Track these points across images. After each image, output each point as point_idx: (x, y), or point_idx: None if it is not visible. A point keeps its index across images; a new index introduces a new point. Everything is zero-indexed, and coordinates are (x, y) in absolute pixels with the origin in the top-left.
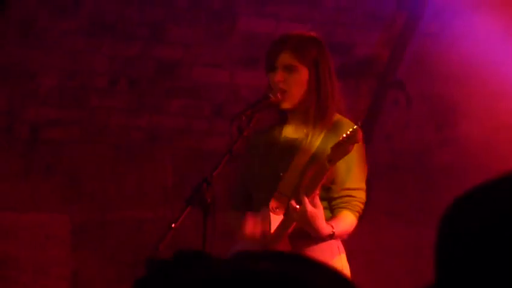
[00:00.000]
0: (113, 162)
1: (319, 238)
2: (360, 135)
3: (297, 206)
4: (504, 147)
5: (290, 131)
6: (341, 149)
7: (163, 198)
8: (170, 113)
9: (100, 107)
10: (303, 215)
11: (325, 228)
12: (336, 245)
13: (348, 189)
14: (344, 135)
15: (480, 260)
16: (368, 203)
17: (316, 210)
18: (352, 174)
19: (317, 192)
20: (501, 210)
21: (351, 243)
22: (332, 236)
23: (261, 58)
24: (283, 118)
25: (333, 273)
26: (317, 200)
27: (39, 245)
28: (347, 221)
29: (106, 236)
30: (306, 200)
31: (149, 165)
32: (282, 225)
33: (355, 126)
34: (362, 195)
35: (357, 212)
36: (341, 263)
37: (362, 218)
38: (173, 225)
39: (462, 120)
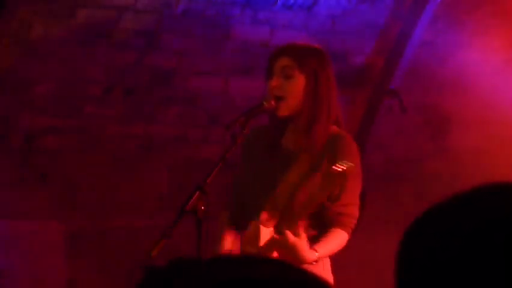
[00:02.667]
0: (108, 170)
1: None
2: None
3: (280, 238)
4: (497, 157)
5: (289, 142)
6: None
7: (159, 206)
8: (165, 121)
9: (95, 116)
10: (285, 245)
11: (308, 255)
12: None
13: (341, 205)
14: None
15: (436, 277)
16: (362, 212)
17: (298, 240)
18: (346, 190)
19: (302, 223)
20: (456, 230)
21: (346, 252)
22: (316, 261)
23: (256, 66)
24: (283, 126)
25: (315, 280)
26: (300, 231)
27: (34, 253)
28: (337, 240)
29: (101, 244)
30: (288, 232)
31: (144, 173)
32: (271, 244)
33: (345, 167)
34: (354, 211)
35: (349, 227)
36: (322, 270)
37: (355, 230)
38: (166, 233)
39: (456, 130)
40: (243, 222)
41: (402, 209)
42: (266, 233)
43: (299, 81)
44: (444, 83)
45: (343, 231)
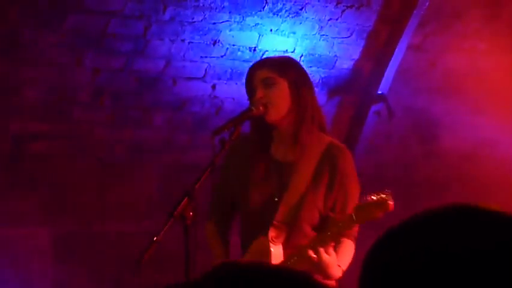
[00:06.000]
0: (96, 175)
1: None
2: (391, 205)
3: (314, 256)
4: (485, 161)
5: (278, 151)
6: (368, 212)
7: (147, 211)
8: (153, 126)
9: (84, 121)
10: (319, 265)
11: (337, 272)
12: None
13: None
14: (374, 197)
15: None
16: None
17: (331, 259)
18: (349, 200)
19: (332, 243)
20: (415, 253)
21: None
22: (341, 277)
23: (243, 71)
24: (268, 134)
25: None
26: (331, 250)
27: (22, 258)
28: (350, 251)
29: (89, 249)
30: (322, 250)
31: (132, 178)
32: (288, 261)
33: (384, 196)
34: None
35: (354, 237)
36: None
37: None
38: (155, 238)
39: (444, 134)
40: (248, 238)
41: (391, 212)
42: (277, 252)
43: (283, 86)
44: (432, 87)
45: (351, 242)
